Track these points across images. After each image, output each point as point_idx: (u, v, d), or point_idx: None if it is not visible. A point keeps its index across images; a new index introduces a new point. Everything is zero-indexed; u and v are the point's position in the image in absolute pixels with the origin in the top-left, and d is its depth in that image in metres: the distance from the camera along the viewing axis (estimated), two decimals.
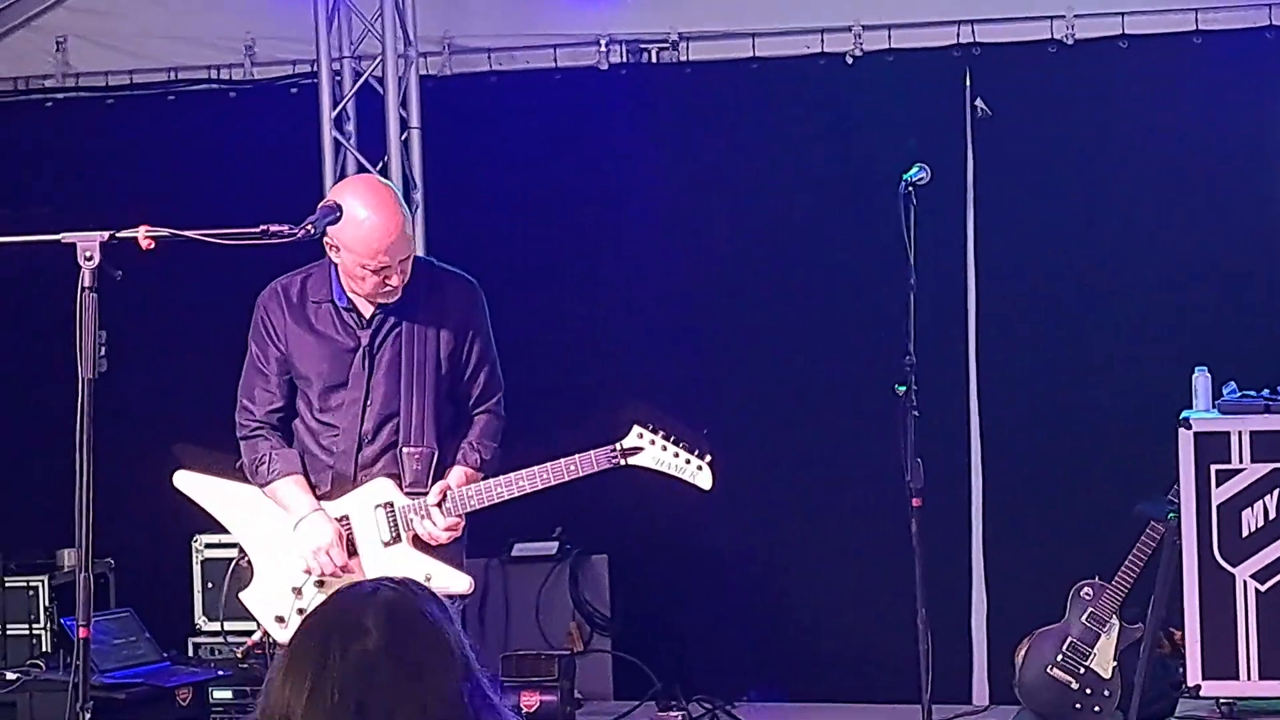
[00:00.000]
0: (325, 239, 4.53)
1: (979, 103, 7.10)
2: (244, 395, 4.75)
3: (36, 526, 7.26)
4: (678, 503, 7.17)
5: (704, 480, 4.68)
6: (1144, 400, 6.76)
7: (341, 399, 4.63)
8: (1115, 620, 6.42)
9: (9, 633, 7.06)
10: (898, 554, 5.85)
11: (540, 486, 4.57)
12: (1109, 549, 6.44)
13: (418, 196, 7.21)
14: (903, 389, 5.76)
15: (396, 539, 4.60)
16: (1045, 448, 7.09)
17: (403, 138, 7.17)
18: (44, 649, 6.98)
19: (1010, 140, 7.12)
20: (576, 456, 4.57)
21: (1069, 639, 6.42)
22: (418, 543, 4.59)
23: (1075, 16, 7.03)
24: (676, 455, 4.64)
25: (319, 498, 4.64)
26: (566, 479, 4.57)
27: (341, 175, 6.97)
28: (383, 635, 2.14)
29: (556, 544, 7.34)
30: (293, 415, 4.73)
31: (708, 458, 4.66)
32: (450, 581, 4.55)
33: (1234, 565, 6.19)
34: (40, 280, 7.20)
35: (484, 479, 4.62)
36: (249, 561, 4.71)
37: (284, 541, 4.63)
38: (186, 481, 4.80)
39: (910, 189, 5.79)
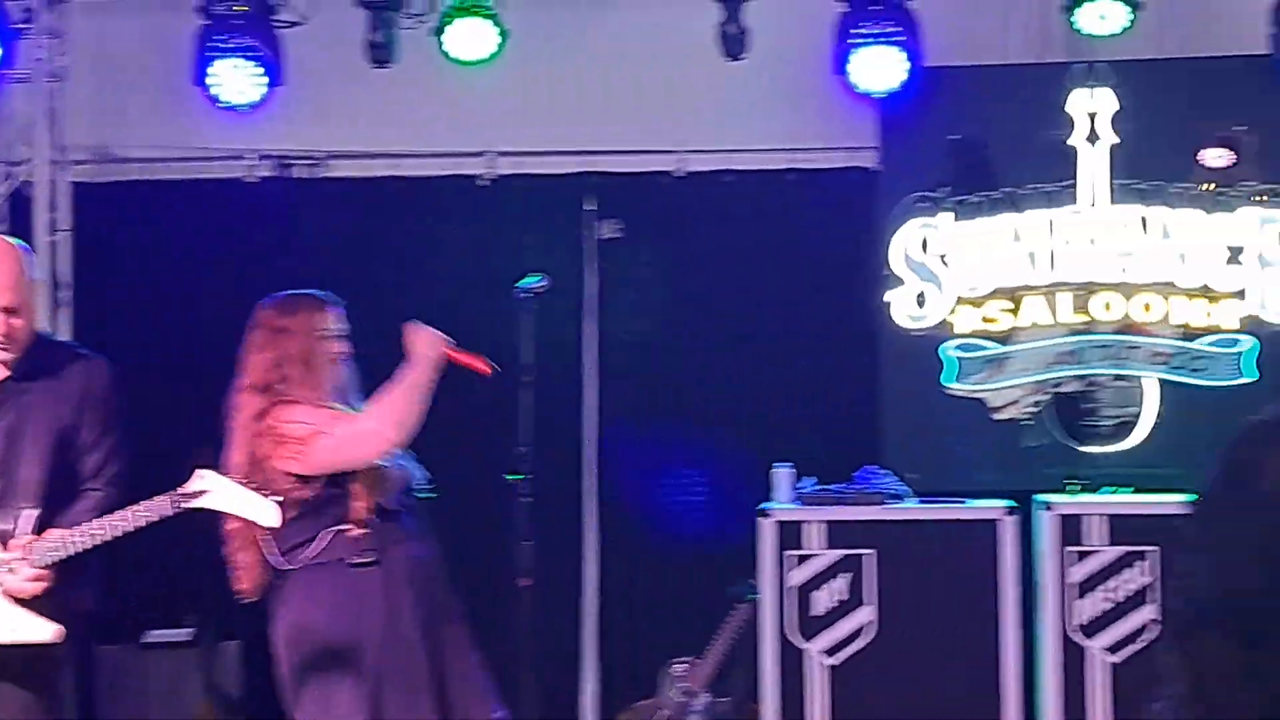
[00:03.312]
0: None
1: (609, 224, 7.70)
2: None
3: None
4: None
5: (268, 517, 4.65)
6: (731, 490, 7.35)
7: None
8: (706, 694, 6.94)
9: None
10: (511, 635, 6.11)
11: (110, 536, 4.62)
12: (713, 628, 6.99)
13: (67, 295, 7.54)
14: (516, 478, 6.07)
15: None
16: (652, 537, 7.59)
17: (51, 239, 7.52)
18: None
19: (627, 257, 7.75)
20: (142, 504, 4.59)
21: (663, 712, 6.91)
22: (8, 594, 4.69)
23: (687, 152, 7.76)
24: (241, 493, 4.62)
25: None
26: (133, 526, 4.58)
27: None
28: None
29: (191, 631, 7.54)
30: None
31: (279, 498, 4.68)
32: (35, 631, 4.69)
33: (806, 641, 6.75)
34: None
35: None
36: None
37: None
38: None
39: (528, 295, 6.12)
